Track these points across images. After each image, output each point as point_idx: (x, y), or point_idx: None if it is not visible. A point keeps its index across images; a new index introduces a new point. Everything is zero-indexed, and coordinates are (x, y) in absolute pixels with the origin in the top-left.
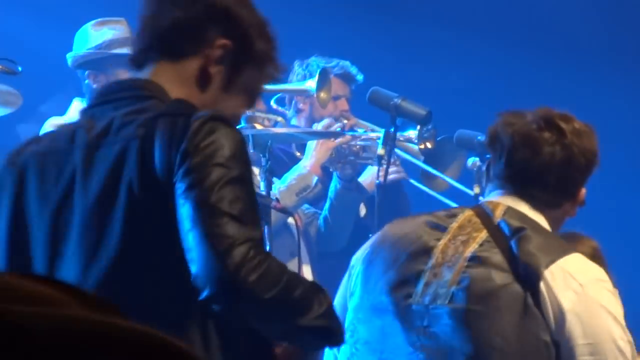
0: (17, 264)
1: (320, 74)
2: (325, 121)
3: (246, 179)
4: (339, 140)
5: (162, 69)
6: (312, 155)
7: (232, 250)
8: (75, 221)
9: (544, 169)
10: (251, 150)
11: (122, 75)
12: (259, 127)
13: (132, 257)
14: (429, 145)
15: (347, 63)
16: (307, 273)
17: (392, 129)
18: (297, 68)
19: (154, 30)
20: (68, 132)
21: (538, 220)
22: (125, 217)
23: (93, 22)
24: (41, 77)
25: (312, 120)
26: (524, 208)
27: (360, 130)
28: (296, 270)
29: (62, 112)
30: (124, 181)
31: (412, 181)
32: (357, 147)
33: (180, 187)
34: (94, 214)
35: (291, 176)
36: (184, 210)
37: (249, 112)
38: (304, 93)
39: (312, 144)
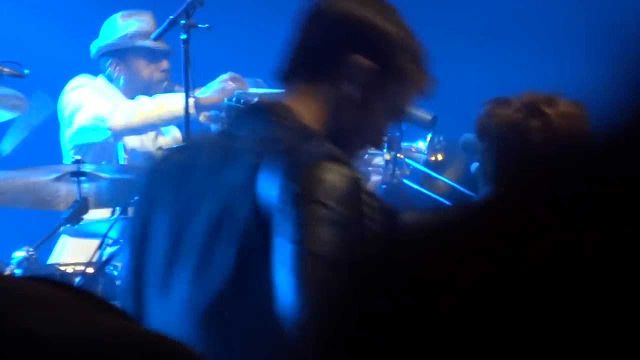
0: (139, 269)
1: None
2: None
3: (346, 222)
4: None
5: (300, 90)
6: None
7: (312, 292)
8: (190, 240)
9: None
10: None
11: (142, 67)
12: None
13: (236, 285)
14: (439, 157)
15: None
16: None
17: (398, 134)
18: None
19: (295, 50)
20: (208, 146)
21: None
22: (233, 246)
23: (121, 13)
24: (47, 80)
25: None
26: None
27: None
28: None
29: None
30: (235, 210)
31: (409, 183)
32: (368, 156)
33: (277, 222)
34: (205, 237)
35: None
36: (276, 246)
37: None
38: None
39: None
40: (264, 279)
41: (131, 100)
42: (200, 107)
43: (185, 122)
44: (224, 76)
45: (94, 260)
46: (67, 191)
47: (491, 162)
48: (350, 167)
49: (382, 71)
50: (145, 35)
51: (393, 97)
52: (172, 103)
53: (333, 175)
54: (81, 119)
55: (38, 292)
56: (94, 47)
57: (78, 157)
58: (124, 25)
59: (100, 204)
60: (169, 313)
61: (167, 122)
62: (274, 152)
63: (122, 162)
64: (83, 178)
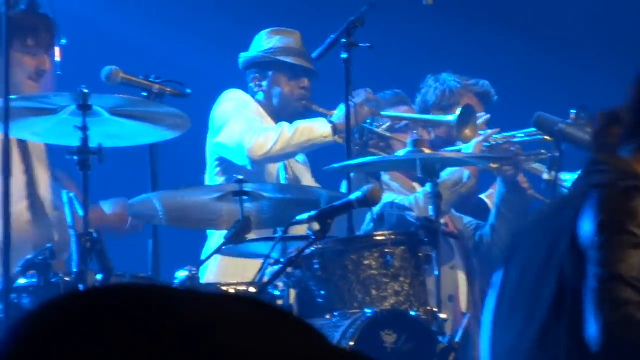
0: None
1: (463, 109)
2: (476, 141)
3: None
4: (491, 132)
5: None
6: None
7: (619, 310)
8: (527, 279)
9: None
10: (419, 175)
11: (282, 83)
12: (427, 151)
13: (561, 318)
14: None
15: (487, 82)
16: (463, 286)
17: (558, 154)
18: (431, 82)
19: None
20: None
21: None
22: (554, 280)
23: (270, 29)
24: (208, 99)
25: (448, 142)
26: None
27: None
28: (454, 283)
29: None
30: (559, 248)
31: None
32: (518, 147)
33: (589, 253)
34: (536, 274)
35: (444, 173)
36: (587, 274)
37: (416, 136)
38: (445, 125)
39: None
40: (579, 309)
41: (272, 129)
42: (337, 131)
43: (347, 137)
44: (358, 99)
45: (256, 280)
46: (229, 211)
47: None
48: None
49: None
50: (289, 51)
51: None
52: (311, 131)
53: (637, 204)
54: (225, 137)
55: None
56: (241, 58)
57: (240, 177)
58: (270, 40)
59: (262, 224)
60: (509, 342)
61: (306, 150)
62: (591, 191)
63: (283, 182)
64: (245, 197)
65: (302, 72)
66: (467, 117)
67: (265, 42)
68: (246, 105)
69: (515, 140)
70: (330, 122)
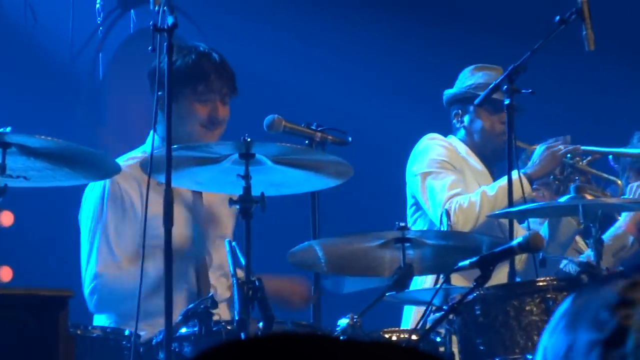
0: None
1: None
2: None
3: None
4: None
5: None
6: (628, 215)
7: None
8: None
9: None
10: (581, 221)
11: (484, 117)
12: (588, 197)
13: None
14: None
15: None
16: None
17: None
18: (635, 141)
19: None
20: None
21: None
22: None
23: (475, 65)
24: (371, 147)
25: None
26: None
27: None
28: None
29: None
30: None
31: None
32: None
33: None
34: None
35: (606, 237)
36: None
37: (578, 182)
38: None
39: None
40: None
41: (473, 197)
42: (533, 181)
43: (509, 192)
44: (553, 142)
45: (418, 327)
46: (391, 258)
47: None
48: None
49: None
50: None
51: None
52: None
53: None
54: (420, 193)
55: None
56: (445, 95)
57: (402, 224)
58: (473, 77)
59: (424, 271)
60: None
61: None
62: None
63: (445, 228)
64: (407, 244)
65: (504, 106)
66: None
67: (468, 78)
68: (443, 155)
69: None
70: (523, 174)
